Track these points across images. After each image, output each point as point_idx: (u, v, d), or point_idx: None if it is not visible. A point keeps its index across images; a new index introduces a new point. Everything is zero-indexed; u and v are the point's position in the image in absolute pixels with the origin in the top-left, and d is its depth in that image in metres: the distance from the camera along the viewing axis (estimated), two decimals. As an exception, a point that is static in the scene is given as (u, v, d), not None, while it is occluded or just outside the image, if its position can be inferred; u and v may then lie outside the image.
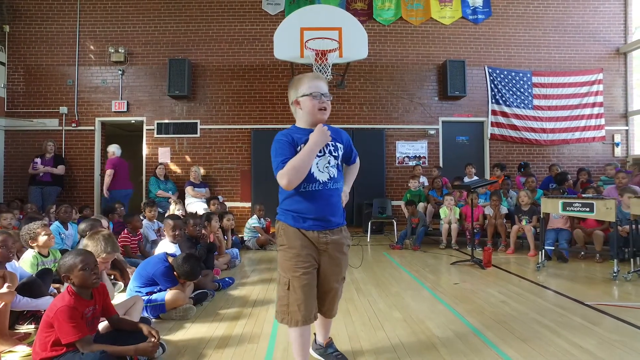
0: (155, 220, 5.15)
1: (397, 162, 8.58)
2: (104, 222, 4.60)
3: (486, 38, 8.70)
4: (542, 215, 4.81)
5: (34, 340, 2.47)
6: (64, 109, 8.35)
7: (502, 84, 8.65)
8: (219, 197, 7.66)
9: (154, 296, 2.98)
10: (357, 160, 2.23)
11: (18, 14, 8.43)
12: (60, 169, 7.81)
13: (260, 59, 8.49)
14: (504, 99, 8.64)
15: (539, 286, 3.96)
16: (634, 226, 4.24)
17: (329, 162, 1.94)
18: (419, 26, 8.67)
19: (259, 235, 6.24)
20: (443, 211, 6.48)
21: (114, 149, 7.49)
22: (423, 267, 4.92)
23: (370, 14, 8.61)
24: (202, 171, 8.09)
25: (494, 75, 8.65)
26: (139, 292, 3.10)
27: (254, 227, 6.27)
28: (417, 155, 8.57)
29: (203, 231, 4.36)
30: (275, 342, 2.56)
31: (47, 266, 3.27)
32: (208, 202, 6.44)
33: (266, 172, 7.94)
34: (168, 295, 2.98)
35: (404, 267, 4.89)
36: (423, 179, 7.75)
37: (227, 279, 3.97)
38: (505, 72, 8.68)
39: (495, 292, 3.73)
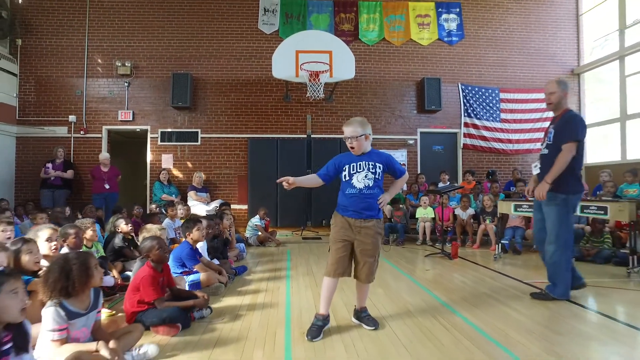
0: (175, 219, 5.89)
1: (380, 168, 9.49)
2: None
3: (460, 58, 9.73)
4: (499, 215, 5.78)
5: (110, 305, 3.28)
6: (72, 118, 8.97)
7: (474, 99, 9.69)
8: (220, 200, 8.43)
9: (192, 276, 3.78)
10: (404, 175, 2.97)
11: (30, 28, 9.04)
12: (69, 174, 8.44)
13: (256, 74, 9.30)
14: (475, 112, 9.67)
15: (493, 271, 4.91)
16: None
17: (365, 176, 2.78)
18: (400, 46, 9.65)
19: (259, 233, 7.05)
20: (419, 211, 7.44)
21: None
22: (402, 259, 5.84)
23: (356, 34, 9.55)
24: (203, 176, 8.84)
25: (466, 91, 9.68)
26: (175, 273, 3.89)
27: (255, 225, 7.08)
28: (398, 163, 9.51)
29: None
30: (290, 308, 3.40)
31: (91, 256, 4.03)
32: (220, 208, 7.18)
33: (261, 177, 8.78)
34: (202, 276, 3.80)
35: (386, 259, 5.78)
36: (403, 184, 8.67)
37: (242, 267, 4.79)
38: (476, 89, 9.72)
39: (458, 276, 4.67)
